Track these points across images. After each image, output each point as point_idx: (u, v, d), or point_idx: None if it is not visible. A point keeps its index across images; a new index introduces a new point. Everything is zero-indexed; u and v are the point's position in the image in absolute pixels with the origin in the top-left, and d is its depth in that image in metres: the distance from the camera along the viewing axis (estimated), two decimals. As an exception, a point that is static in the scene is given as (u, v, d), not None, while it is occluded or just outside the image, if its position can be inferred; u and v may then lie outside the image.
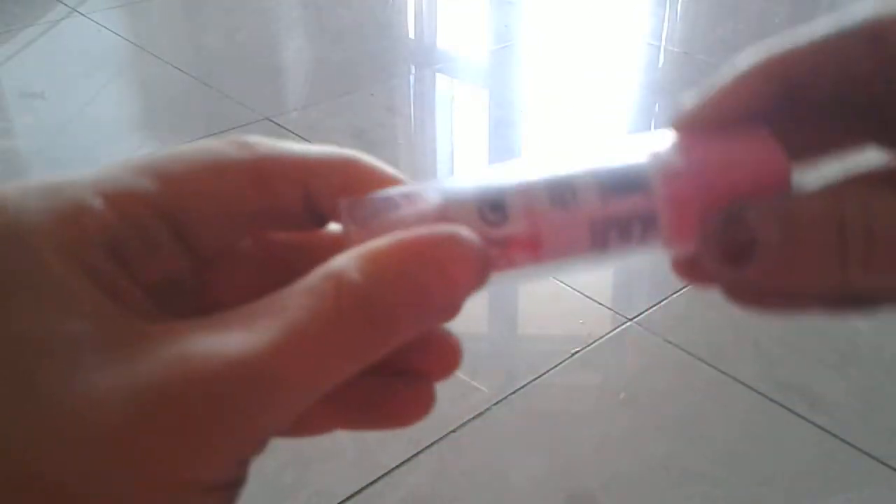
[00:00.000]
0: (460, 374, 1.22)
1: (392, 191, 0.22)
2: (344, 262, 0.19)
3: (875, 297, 0.22)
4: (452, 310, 0.21)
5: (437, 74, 2.24)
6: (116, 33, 2.43)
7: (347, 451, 1.10)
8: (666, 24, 2.63)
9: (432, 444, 1.10)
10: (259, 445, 0.20)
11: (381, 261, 0.19)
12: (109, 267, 0.19)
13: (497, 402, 1.17)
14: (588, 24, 2.56)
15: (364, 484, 1.05)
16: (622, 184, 0.23)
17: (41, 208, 0.18)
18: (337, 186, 0.22)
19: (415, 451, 1.09)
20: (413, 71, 2.31)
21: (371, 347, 0.19)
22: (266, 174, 0.21)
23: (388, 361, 0.20)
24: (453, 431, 1.12)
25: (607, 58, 2.35)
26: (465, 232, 0.20)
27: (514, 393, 1.18)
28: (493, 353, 1.29)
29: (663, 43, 2.45)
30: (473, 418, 1.14)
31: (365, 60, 2.27)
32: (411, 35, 2.62)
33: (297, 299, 0.18)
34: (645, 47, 2.42)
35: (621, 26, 2.57)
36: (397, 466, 1.07)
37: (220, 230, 0.21)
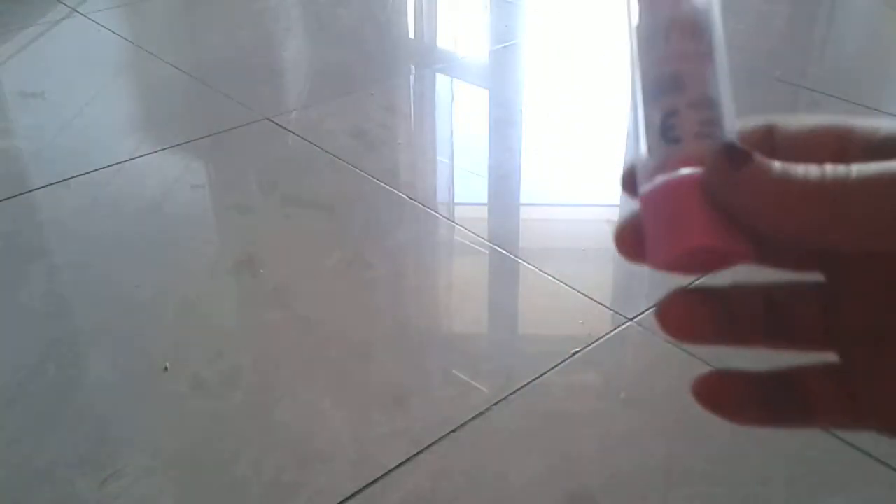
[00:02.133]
0: (460, 374, 1.22)
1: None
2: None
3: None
4: None
5: (437, 74, 2.24)
6: (116, 33, 2.43)
7: (347, 451, 1.10)
8: (666, 24, 2.63)
9: (432, 444, 1.10)
10: None
11: None
12: None
13: (497, 402, 1.17)
14: (588, 24, 2.56)
15: (364, 484, 1.05)
16: None
17: None
18: None
19: (415, 451, 1.09)
20: (413, 71, 2.31)
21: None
22: None
23: None
24: (453, 431, 1.12)
25: (607, 58, 2.35)
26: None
27: (514, 393, 1.18)
28: (493, 353, 1.29)
29: (663, 43, 2.44)
30: (473, 418, 1.14)
31: (365, 60, 2.27)
32: (411, 35, 2.62)
33: None
34: (645, 47, 2.42)
35: (621, 26, 2.56)
36: (397, 466, 1.07)
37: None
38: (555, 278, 1.41)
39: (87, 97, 2.05)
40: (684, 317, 0.27)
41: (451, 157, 1.88)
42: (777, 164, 0.23)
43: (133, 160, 1.77)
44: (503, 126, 1.97)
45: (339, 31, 2.50)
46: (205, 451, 1.10)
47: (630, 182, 0.26)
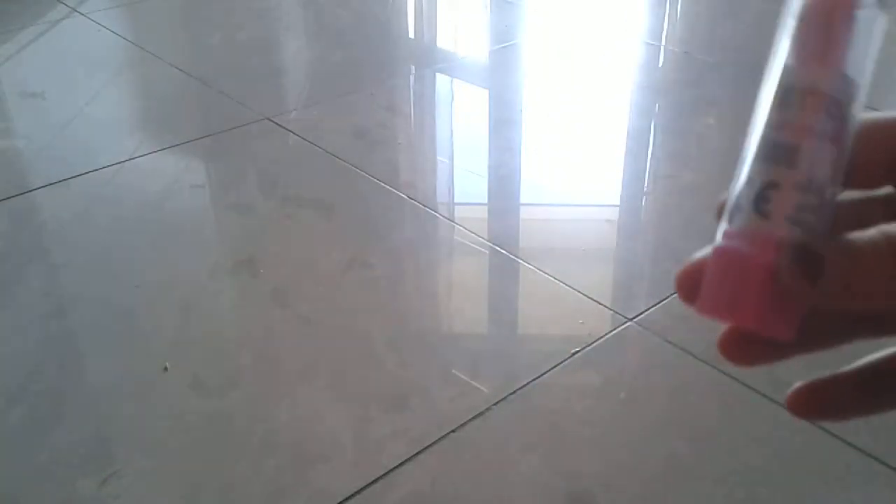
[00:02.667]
0: (460, 374, 1.22)
1: None
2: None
3: None
4: None
5: (437, 74, 2.24)
6: (116, 33, 2.43)
7: (347, 451, 1.10)
8: (666, 24, 2.63)
9: (432, 444, 1.10)
10: None
11: None
12: None
13: (497, 402, 1.17)
14: (588, 24, 2.56)
15: (364, 484, 1.05)
16: None
17: None
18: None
19: (415, 451, 1.09)
20: (413, 71, 2.31)
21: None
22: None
23: None
24: (453, 431, 1.12)
25: (607, 58, 2.35)
26: None
27: (514, 393, 1.18)
28: (493, 353, 1.29)
29: (663, 43, 2.45)
30: (473, 418, 1.14)
31: (365, 60, 2.27)
32: (411, 35, 2.62)
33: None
34: (645, 47, 2.42)
35: (621, 26, 2.57)
36: (397, 466, 1.07)
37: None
38: (555, 278, 1.41)
39: (87, 97, 2.05)
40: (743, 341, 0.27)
41: (451, 157, 1.88)
42: (853, 253, 0.24)
43: (133, 160, 1.77)
44: (503, 126, 1.97)
45: (339, 31, 2.50)
46: (205, 451, 1.10)
47: (722, 214, 0.27)
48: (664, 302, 1.34)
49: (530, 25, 2.61)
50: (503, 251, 1.49)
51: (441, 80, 2.22)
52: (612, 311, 1.34)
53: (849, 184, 0.26)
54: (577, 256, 1.51)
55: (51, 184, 1.69)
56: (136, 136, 1.90)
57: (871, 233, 0.24)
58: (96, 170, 1.73)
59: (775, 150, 0.25)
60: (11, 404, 1.17)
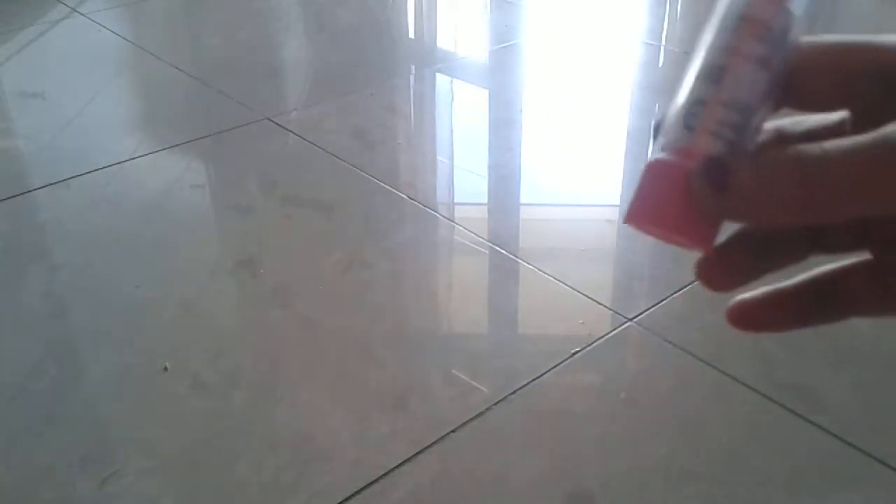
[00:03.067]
0: (460, 374, 1.22)
1: None
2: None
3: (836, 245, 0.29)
4: None
5: (437, 74, 2.24)
6: (116, 33, 2.43)
7: (347, 451, 1.10)
8: (666, 24, 2.63)
9: (432, 444, 1.10)
10: None
11: None
12: None
13: (497, 402, 1.17)
14: (588, 24, 2.56)
15: (364, 484, 1.05)
16: None
17: None
18: None
19: (415, 451, 1.09)
20: (413, 71, 2.31)
21: None
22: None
23: None
24: (453, 431, 1.12)
25: (607, 58, 2.35)
26: None
27: (514, 393, 1.18)
28: (493, 353, 1.29)
29: (663, 43, 2.45)
30: (473, 418, 1.14)
31: (365, 60, 2.27)
32: (411, 35, 2.62)
33: None
34: (644, 47, 2.42)
35: (621, 26, 2.57)
36: (397, 466, 1.07)
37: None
38: (555, 278, 1.41)
39: (87, 97, 2.05)
40: (725, 267, 0.28)
41: (451, 157, 1.88)
42: (765, 167, 0.25)
43: (133, 160, 1.77)
44: (503, 126, 1.97)
45: (339, 31, 2.50)
46: (205, 451, 1.10)
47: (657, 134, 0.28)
48: (664, 302, 1.34)
49: (530, 25, 2.61)
50: (503, 251, 1.49)
51: (441, 80, 2.22)
52: (612, 311, 1.34)
53: (798, 107, 0.27)
54: (577, 256, 1.51)
55: (51, 184, 1.69)
56: (136, 136, 1.90)
57: (784, 150, 0.25)
58: (96, 170, 1.73)
59: (706, 70, 0.26)
60: (11, 404, 1.17)
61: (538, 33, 2.53)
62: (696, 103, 0.26)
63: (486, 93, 2.19)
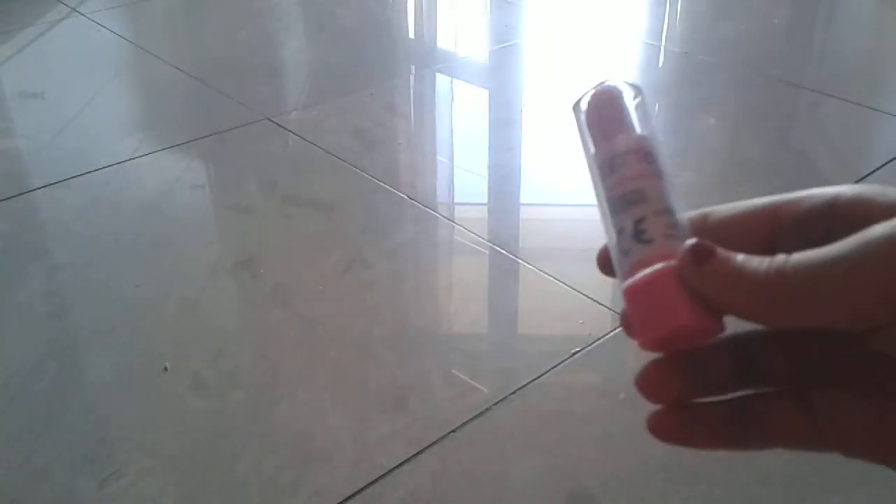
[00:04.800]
0: (460, 374, 1.22)
1: None
2: None
3: None
4: None
5: (437, 74, 2.24)
6: (116, 33, 2.43)
7: (347, 451, 1.10)
8: (666, 24, 2.63)
9: (432, 444, 1.10)
10: None
11: None
12: None
13: (497, 402, 1.17)
14: (588, 24, 2.56)
15: (364, 484, 1.05)
16: None
17: None
18: None
19: (415, 451, 1.09)
20: (413, 71, 2.31)
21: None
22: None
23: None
24: (453, 431, 1.12)
25: (607, 58, 2.35)
26: None
27: (514, 393, 1.18)
28: (493, 353, 1.29)
29: (663, 43, 2.45)
30: (473, 418, 1.14)
31: (365, 60, 2.27)
32: (411, 35, 2.62)
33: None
34: (645, 47, 2.42)
35: (621, 26, 2.57)
36: (397, 466, 1.07)
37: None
38: (555, 278, 1.41)
39: (87, 97, 2.05)
40: (658, 380, 0.30)
41: (451, 157, 1.88)
42: (736, 259, 0.27)
43: (133, 160, 1.77)
44: (503, 126, 1.97)
45: (339, 31, 2.50)
46: (205, 451, 1.10)
47: (606, 265, 0.32)
48: (664, 302, 1.34)
49: (530, 25, 2.61)
50: (503, 251, 1.49)
51: (441, 80, 2.22)
52: (612, 311, 1.34)
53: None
54: (577, 256, 1.51)
55: (51, 184, 1.69)
56: (136, 136, 1.90)
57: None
58: (96, 170, 1.73)
59: (628, 197, 0.30)
60: (11, 404, 1.17)
61: (538, 33, 2.53)
62: (638, 222, 0.30)
63: (486, 93, 2.19)
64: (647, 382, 0.30)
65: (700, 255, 0.27)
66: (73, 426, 1.14)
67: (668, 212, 0.30)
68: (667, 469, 1.07)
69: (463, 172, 1.81)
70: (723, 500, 1.04)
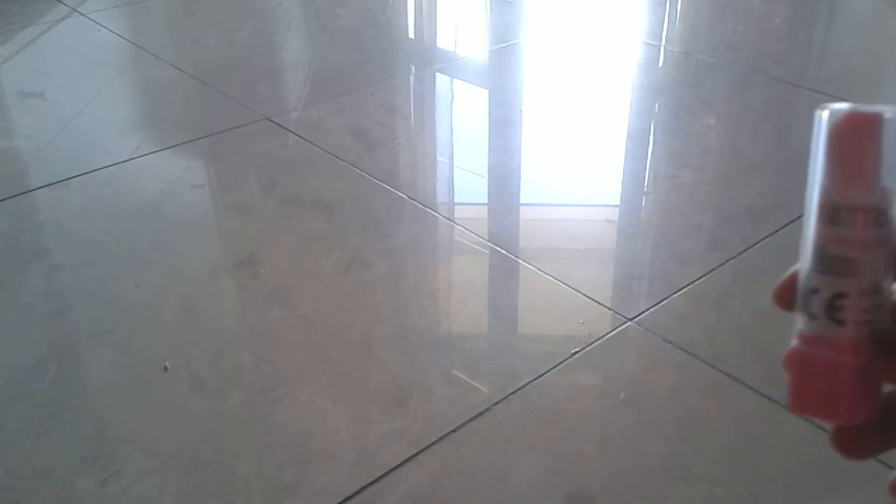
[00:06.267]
0: (460, 374, 1.22)
1: None
2: None
3: None
4: None
5: (437, 74, 2.24)
6: (116, 33, 2.43)
7: (347, 451, 1.10)
8: (666, 24, 2.63)
9: (432, 444, 1.10)
10: None
11: None
12: None
13: (497, 402, 1.17)
14: (588, 24, 2.56)
15: (364, 484, 1.05)
16: None
17: None
18: None
19: (415, 451, 1.09)
20: (413, 71, 2.31)
21: None
22: None
23: None
24: (453, 431, 1.12)
25: (607, 58, 2.35)
26: None
27: (514, 393, 1.18)
28: (493, 353, 1.29)
29: (663, 43, 2.45)
30: (473, 418, 1.14)
31: (365, 60, 2.27)
32: (411, 35, 2.62)
33: None
34: (645, 47, 2.42)
35: (621, 26, 2.57)
36: (397, 466, 1.07)
37: None
38: (555, 278, 1.41)
39: (86, 97, 2.05)
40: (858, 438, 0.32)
41: (451, 157, 1.88)
42: None
43: (133, 160, 1.77)
44: (503, 126, 1.97)
45: (339, 31, 2.50)
46: (205, 451, 1.10)
47: (788, 301, 0.31)
48: (664, 302, 1.34)
49: (530, 25, 2.61)
50: (503, 251, 1.49)
51: (441, 80, 2.22)
52: (612, 311, 1.34)
53: None
54: (577, 256, 1.51)
55: (51, 184, 1.69)
56: (136, 136, 1.90)
57: None
58: (96, 170, 1.73)
59: (838, 264, 0.28)
60: (11, 404, 1.17)
61: (538, 33, 2.53)
62: (837, 298, 0.29)
63: (486, 93, 2.19)
64: (843, 446, 0.32)
65: (886, 352, 0.28)
66: (73, 426, 1.14)
67: (873, 291, 0.28)
68: (667, 469, 1.07)
69: (463, 172, 1.81)
70: (723, 500, 1.04)
